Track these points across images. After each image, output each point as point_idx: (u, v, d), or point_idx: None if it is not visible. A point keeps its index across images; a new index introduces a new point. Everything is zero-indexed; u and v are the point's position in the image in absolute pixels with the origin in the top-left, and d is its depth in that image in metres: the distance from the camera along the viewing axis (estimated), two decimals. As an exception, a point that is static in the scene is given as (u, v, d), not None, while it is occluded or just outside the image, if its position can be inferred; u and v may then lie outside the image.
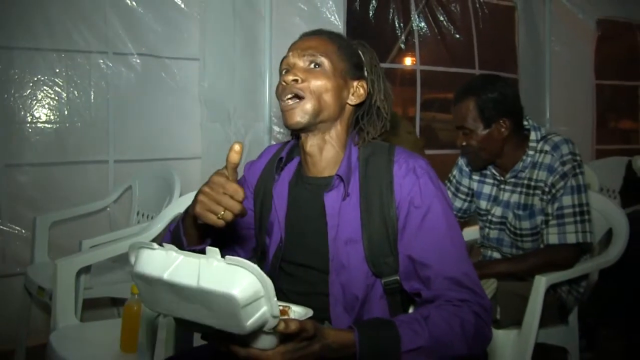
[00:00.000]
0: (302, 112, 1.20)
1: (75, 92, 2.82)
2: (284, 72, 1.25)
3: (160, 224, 2.18)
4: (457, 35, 3.81)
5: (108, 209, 2.89)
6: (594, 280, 2.38)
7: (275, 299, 0.87)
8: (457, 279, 1.14)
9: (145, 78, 3.03)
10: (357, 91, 1.27)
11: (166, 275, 0.89)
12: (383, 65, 3.75)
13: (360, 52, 1.30)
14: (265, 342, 0.92)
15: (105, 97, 2.90)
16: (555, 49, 4.22)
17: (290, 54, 1.25)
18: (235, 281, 0.83)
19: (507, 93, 1.93)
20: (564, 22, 4.24)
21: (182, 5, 3.06)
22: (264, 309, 0.86)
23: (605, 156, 3.93)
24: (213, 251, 0.88)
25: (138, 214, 2.79)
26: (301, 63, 1.23)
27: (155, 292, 0.93)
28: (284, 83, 1.22)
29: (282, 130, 3.35)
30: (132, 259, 0.97)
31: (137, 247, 0.97)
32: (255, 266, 0.85)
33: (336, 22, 3.36)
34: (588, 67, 4.42)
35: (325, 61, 1.22)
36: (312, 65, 1.22)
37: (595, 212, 2.17)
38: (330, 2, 3.30)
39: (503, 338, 1.87)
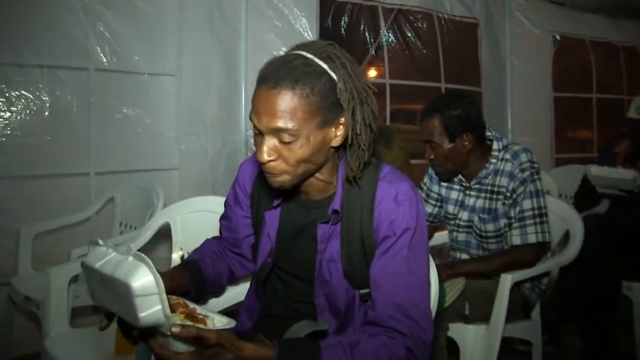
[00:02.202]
0: (283, 181, 1.18)
1: (57, 107, 2.89)
2: (255, 132, 1.15)
3: (148, 233, 2.25)
4: (424, 50, 4.00)
5: (91, 220, 2.95)
6: (554, 278, 2.57)
7: (167, 301, 0.96)
8: (404, 307, 1.15)
9: (125, 93, 3.12)
10: (338, 131, 1.18)
11: (97, 265, 1.02)
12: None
13: (333, 77, 1.12)
14: (181, 347, 1.01)
15: (87, 112, 2.97)
16: (516, 63, 4.49)
17: (256, 120, 1.12)
18: (135, 274, 0.95)
19: (470, 110, 2.10)
20: (523, 38, 4.52)
21: (160, 22, 3.17)
22: (157, 307, 0.95)
23: (564, 164, 4.16)
24: (139, 254, 0.99)
25: (121, 224, 2.86)
26: (271, 139, 1.12)
27: (92, 282, 1.06)
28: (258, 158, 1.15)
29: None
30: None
31: (91, 244, 1.09)
32: (152, 268, 0.96)
33: (309, 37, 3.51)
34: (546, 81, 4.70)
35: (297, 130, 1.10)
36: (285, 139, 1.11)
37: (554, 216, 2.36)
38: (304, 20, 3.45)
39: (473, 333, 2.02)
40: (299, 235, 1.31)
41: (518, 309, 2.14)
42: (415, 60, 3.93)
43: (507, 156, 2.10)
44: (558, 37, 4.70)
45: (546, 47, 4.67)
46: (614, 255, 2.55)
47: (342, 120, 1.16)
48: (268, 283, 1.40)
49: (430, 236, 2.46)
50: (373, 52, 3.87)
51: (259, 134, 1.14)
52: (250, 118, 1.14)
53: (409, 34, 3.94)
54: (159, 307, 0.95)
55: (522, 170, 2.05)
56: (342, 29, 3.69)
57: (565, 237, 2.32)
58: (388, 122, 3.79)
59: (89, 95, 2.98)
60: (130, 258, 0.99)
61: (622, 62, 5.13)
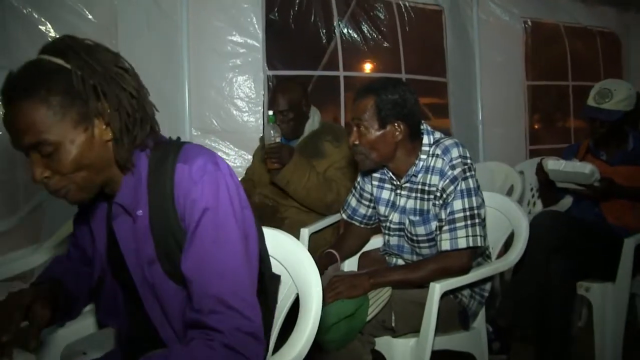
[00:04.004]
0: (71, 197, 1.08)
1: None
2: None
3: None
4: (382, 40, 3.81)
5: (17, 227, 2.79)
6: (507, 280, 2.39)
7: None
8: (221, 299, 1.03)
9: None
10: (102, 124, 1.06)
11: None
12: (312, 73, 3.78)
13: (69, 69, 1.02)
14: None
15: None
16: (484, 51, 4.26)
17: (11, 142, 1.04)
18: None
19: (407, 98, 1.91)
20: (491, 25, 4.30)
21: (91, 17, 2.98)
22: None
23: (539, 156, 3.98)
24: None
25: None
26: (35, 156, 1.03)
27: None
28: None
29: (206, 140, 3.30)
30: None
31: None
32: None
33: (255, 30, 3.33)
34: (518, 69, 4.49)
35: (52, 138, 1.01)
36: (46, 151, 1.02)
37: (498, 214, 2.18)
38: (247, 9, 3.27)
39: (401, 346, 1.84)
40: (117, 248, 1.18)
41: (454, 319, 1.96)
42: (372, 51, 3.73)
43: (438, 152, 1.91)
44: (529, 23, 4.49)
45: (517, 33, 4.45)
46: (569, 254, 2.36)
47: (100, 110, 1.05)
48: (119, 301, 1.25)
49: (367, 240, 2.28)
50: (333, 45, 3.68)
51: (27, 155, 1.05)
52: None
53: (365, 24, 3.74)
54: None
55: (453, 167, 1.86)
56: (291, 20, 3.49)
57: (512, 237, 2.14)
58: (342, 116, 3.60)
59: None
60: None
61: (599, 48, 4.92)
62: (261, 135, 2.93)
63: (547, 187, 2.77)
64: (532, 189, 3.61)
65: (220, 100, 3.31)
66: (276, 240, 1.41)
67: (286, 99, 2.59)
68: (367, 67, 3.91)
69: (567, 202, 2.93)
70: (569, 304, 2.36)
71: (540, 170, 2.70)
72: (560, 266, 2.32)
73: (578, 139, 4.73)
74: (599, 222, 2.60)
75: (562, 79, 4.77)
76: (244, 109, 3.31)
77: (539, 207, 3.40)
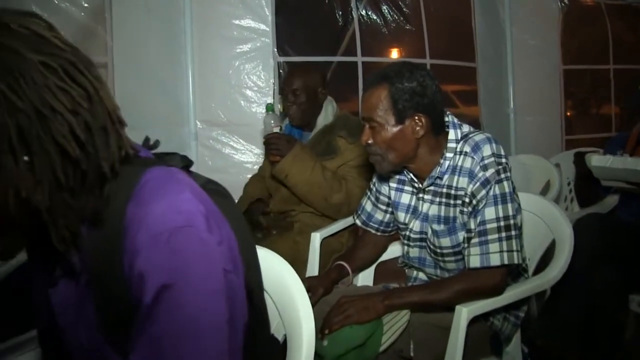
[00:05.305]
0: None
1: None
2: None
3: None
4: (405, 23, 3.49)
5: None
6: (543, 295, 2.09)
7: None
8: None
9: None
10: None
11: None
12: (327, 59, 3.49)
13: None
14: None
15: None
16: (517, 33, 3.91)
17: None
18: None
19: (427, 85, 1.60)
20: (524, 4, 3.94)
21: (85, 4, 2.73)
22: None
23: (576, 147, 3.64)
24: None
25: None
26: None
27: None
28: None
29: (212, 133, 3.05)
30: None
31: None
32: None
33: (265, 12, 3.06)
34: (554, 52, 4.12)
35: None
36: None
37: (537, 220, 1.88)
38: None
39: (423, 379, 1.56)
40: None
41: (484, 345, 1.67)
42: (393, 35, 3.42)
43: (467, 149, 1.60)
44: (566, 1, 4.10)
45: (552, 13, 4.07)
46: (619, 264, 2.04)
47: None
48: None
49: (385, 248, 1.99)
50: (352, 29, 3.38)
51: None
52: None
53: (385, 5, 3.43)
54: None
55: (484, 168, 1.55)
56: (303, 1, 3.20)
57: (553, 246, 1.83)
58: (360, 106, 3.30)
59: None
60: None
61: (644, 27, 4.51)
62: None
63: (589, 185, 2.44)
64: (569, 184, 3.29)
65: (227, 90, 3.06)
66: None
67: (301, 80, 2.33)
68: (389, 52, 3.59)
69: (611, 201, 2.60)
70: (619, 320, 2.05)
71: (580, 163, 2.37)
72: (609, 277, 2.02)
73: (619, 127, 4.36)
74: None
75: (603, 63, 4.37)
76: (253, 99, 3.05)
77: (576, 205, 3.07)
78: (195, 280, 0.73)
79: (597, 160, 2.25)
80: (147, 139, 0.92)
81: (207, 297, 0.74)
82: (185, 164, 0.88)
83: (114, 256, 0.75)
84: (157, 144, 0.92)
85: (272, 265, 1.14)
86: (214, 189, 0.88)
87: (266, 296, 1.13)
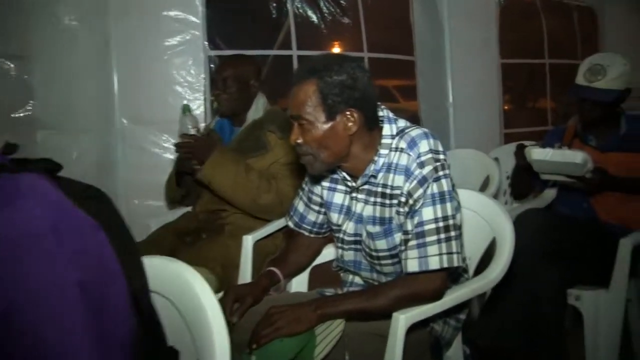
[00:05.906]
0: None
1: None
2: None
3: None
4: (342, 16, 3.39)
5: None
6: (484, 295, 2.03)
7: None
8: None
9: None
10: None
11: None
12: (261, 52, 3.35)
13: None
14: None
15: None
16: (455, 27, 3.89)
17: None
18: None
19: (359, 77, 1.49)
20: (462, -3, 3.92)
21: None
22: None
23: (515, 140, 3.63)
24: None
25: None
26: None
27: None
28: None
29: (138, 132, 2.86)
30: None
31: None
32: None
33: (194, 3, 2.89)
34: (492, 46, 4.12)
35: None
36: None
37: (478, 218, 1.81)
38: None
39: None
40: None
41: (425, 351, 1.58)
42: (330, 28, 3.32)
43: (402, 145, 1.50)
44: (504, -5, 4.13)
45: (490, 7, 4.08)
46: (558, 260, 2.00)
47: None
48: None
49: (319, 251, 1.88)
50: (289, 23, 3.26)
51: None
52: None
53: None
54: None
55: (421, 165, 1.46)
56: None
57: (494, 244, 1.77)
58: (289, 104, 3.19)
59: None
60: None
61: (576, 24, 4.60)
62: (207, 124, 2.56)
63: (527, 176, 2.41)
64: (508, 177, 3.27)
65: (154, 85, 2.88)
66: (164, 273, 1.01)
67: (233, 69, 2.24)
68: (325, 45, 3.49)
69: (549, 195, 2.59)
70: (561, 317, 2.01)
71: (521, 156, 2.34)
72: (552, 276, 1.97)
73: (555, 121, 4.43)
74: (589, 219, 2.25)
75: (539, 57, 4.43)
76: (182, 95, 2.88)
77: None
78: (37, 298, 0.63)
79: (537, 154, 2.21)
80: (6, 144, 0.79)
81: (54, 316, 0.64)
82: (51, 168, 0.75)
83: None
84: (14, 148, 0.79)
85: (179, 274, 1.01)
86: (89, 195, 0.79)
87: (173, 310, 1.00)
